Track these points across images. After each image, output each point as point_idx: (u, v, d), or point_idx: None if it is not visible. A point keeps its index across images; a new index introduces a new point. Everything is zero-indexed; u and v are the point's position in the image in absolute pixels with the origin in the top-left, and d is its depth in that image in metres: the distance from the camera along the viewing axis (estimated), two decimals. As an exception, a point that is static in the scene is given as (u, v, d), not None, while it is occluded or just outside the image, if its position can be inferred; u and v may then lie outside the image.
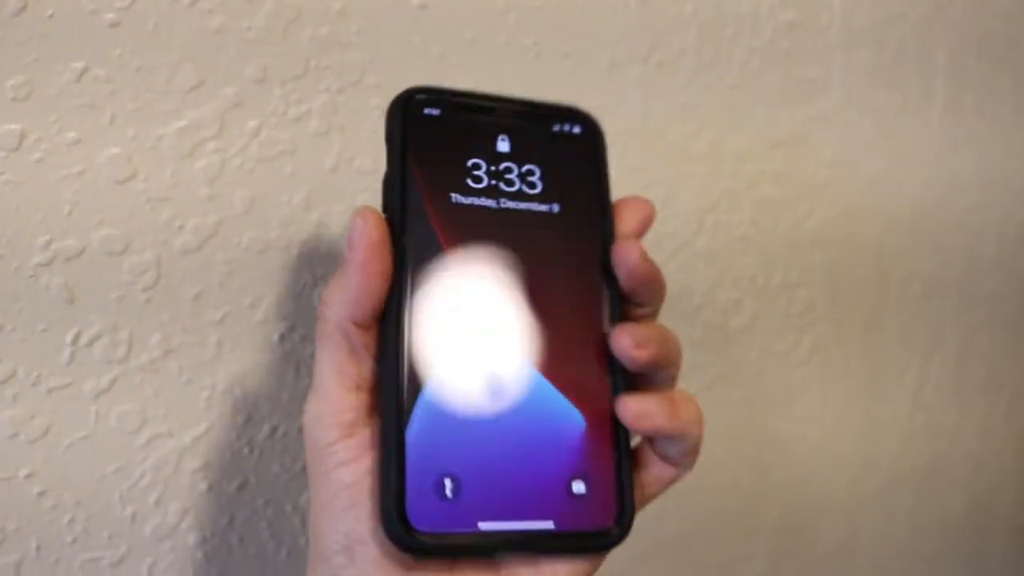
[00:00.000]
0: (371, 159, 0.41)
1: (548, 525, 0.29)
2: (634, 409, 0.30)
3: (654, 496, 0.33)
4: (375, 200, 0.41)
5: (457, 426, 0.29)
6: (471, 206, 0.31)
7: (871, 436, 0.63)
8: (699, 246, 0.52)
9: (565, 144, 0.33)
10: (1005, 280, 0.67)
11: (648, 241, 0.50)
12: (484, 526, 0.28)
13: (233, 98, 0.37)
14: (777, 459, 0.59)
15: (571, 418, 0.30)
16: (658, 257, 0.50)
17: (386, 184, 0.31)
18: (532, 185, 0.32)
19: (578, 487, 0.30)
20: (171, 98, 0.36)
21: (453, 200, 0.31)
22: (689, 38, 0.49)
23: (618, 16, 0.46)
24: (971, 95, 0.61)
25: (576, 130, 0.33)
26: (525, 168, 0.32)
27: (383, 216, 0.30)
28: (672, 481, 0.33)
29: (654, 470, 0.32)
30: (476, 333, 0.30)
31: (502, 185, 0.31)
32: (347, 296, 0.29)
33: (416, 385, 0.29)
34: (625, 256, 0.31)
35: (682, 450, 0.32)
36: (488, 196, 0.31)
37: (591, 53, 0.46)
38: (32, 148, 0.34)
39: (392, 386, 0.28)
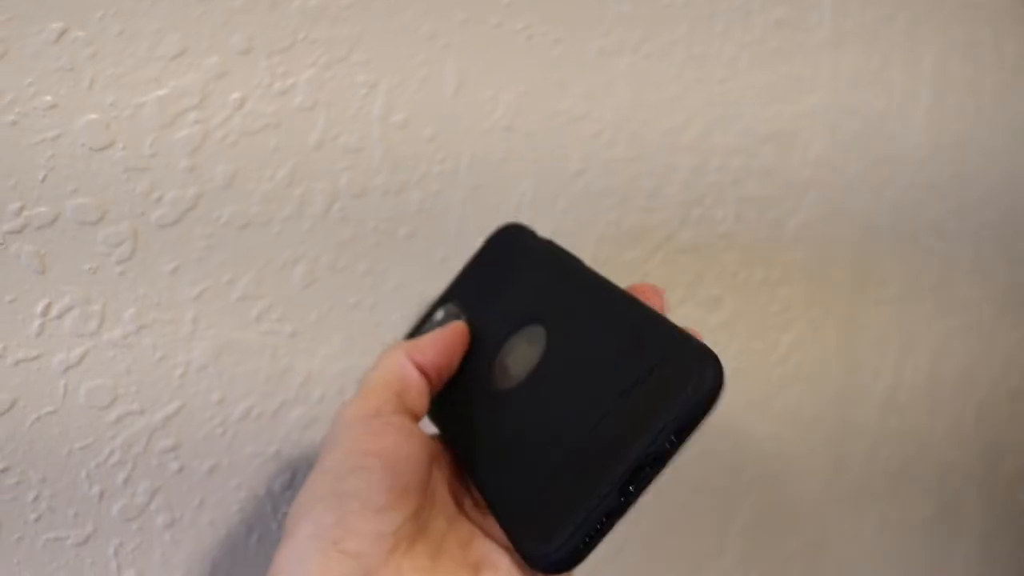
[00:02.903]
0: (356, 136, 0.40)
1: None
2: None
3: None
4: (358, 179, 0.40)
5: None
6: None
7: (843, 437, 0.63)
8: (683, 239, 0.51)
9: None
10: (980, 286, 0.68)
11: (633, 233, 0.49)
12: None
13: (217, 68, 0.36)
14: (751, 457, 0.59)
15: None
16: (642, 250, 0.50)
17: None
18: None
19: None
20: (153, 65, 0.35)
21: None
22: (680, 31, 0.49)
23: (611, 5, 0.46)
24: (954, 100, 0.62)
25: None
26: None
27: None
28: None
29: None
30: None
31: None
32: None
33: None
34: None
35: None
36: None
37: (582, 41, 0.45)
38: (5, 110, 0.33)
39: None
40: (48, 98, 0.33)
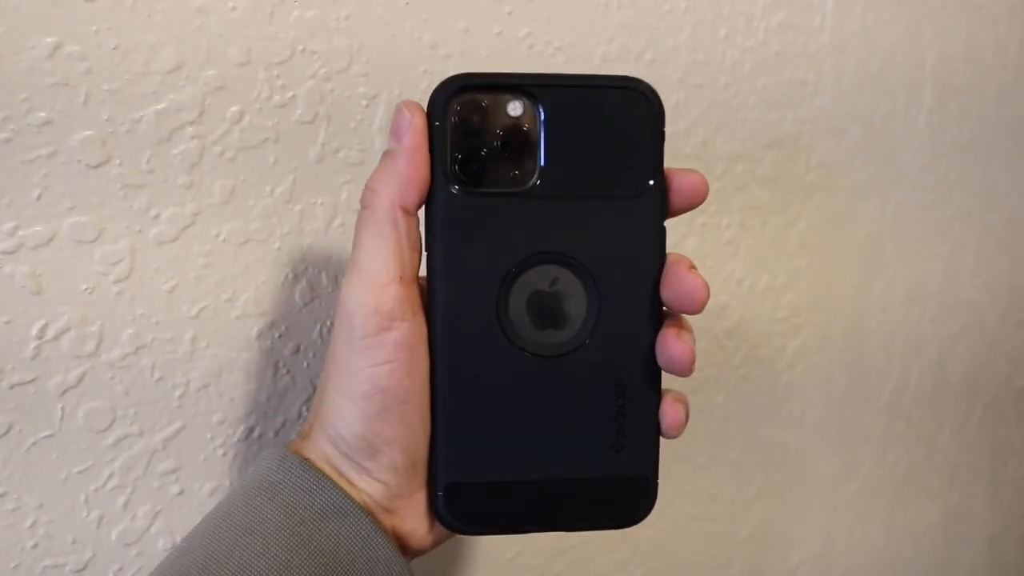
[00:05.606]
0: (357, 150, 0.39)
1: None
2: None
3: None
4: (360, 193, 0.40)
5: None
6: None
7: (850, 444, 0.63)
8: (688, 247, 0.51)
9: None
10: (983, 289, 0.67)
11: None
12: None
13: (215, 81, 0.36)
14: (758, 465, 0.59)
15: None
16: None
17: None
18: None
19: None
20: (149, 79, 0.34)
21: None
22: (682, 36, 0.48)
23: (612, 12, 0.45)
24: (957, 101, 0.61)
25: None
26: None
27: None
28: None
29: None
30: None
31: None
32: (398, 180, 0.29)
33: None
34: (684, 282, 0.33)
35: None
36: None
37: (584, 48, 0.45)
38: (-1, 128, 0.32)
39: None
40: (42, 114, 0.33)
